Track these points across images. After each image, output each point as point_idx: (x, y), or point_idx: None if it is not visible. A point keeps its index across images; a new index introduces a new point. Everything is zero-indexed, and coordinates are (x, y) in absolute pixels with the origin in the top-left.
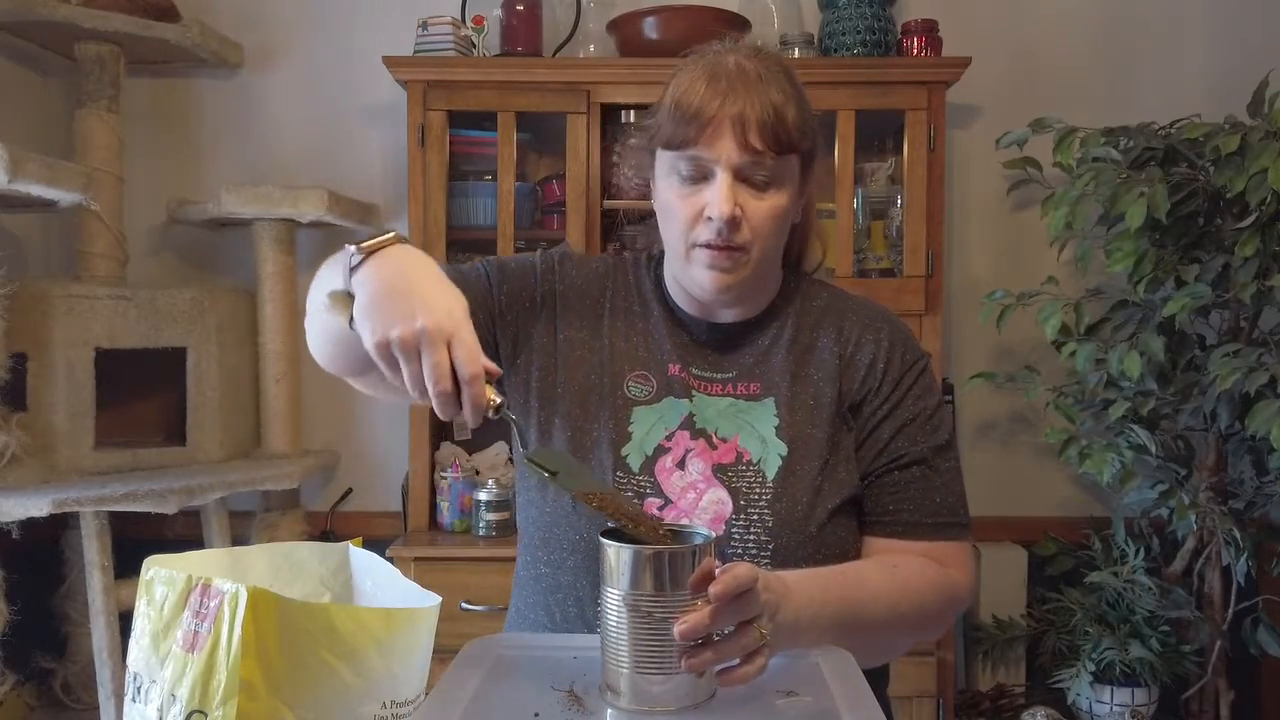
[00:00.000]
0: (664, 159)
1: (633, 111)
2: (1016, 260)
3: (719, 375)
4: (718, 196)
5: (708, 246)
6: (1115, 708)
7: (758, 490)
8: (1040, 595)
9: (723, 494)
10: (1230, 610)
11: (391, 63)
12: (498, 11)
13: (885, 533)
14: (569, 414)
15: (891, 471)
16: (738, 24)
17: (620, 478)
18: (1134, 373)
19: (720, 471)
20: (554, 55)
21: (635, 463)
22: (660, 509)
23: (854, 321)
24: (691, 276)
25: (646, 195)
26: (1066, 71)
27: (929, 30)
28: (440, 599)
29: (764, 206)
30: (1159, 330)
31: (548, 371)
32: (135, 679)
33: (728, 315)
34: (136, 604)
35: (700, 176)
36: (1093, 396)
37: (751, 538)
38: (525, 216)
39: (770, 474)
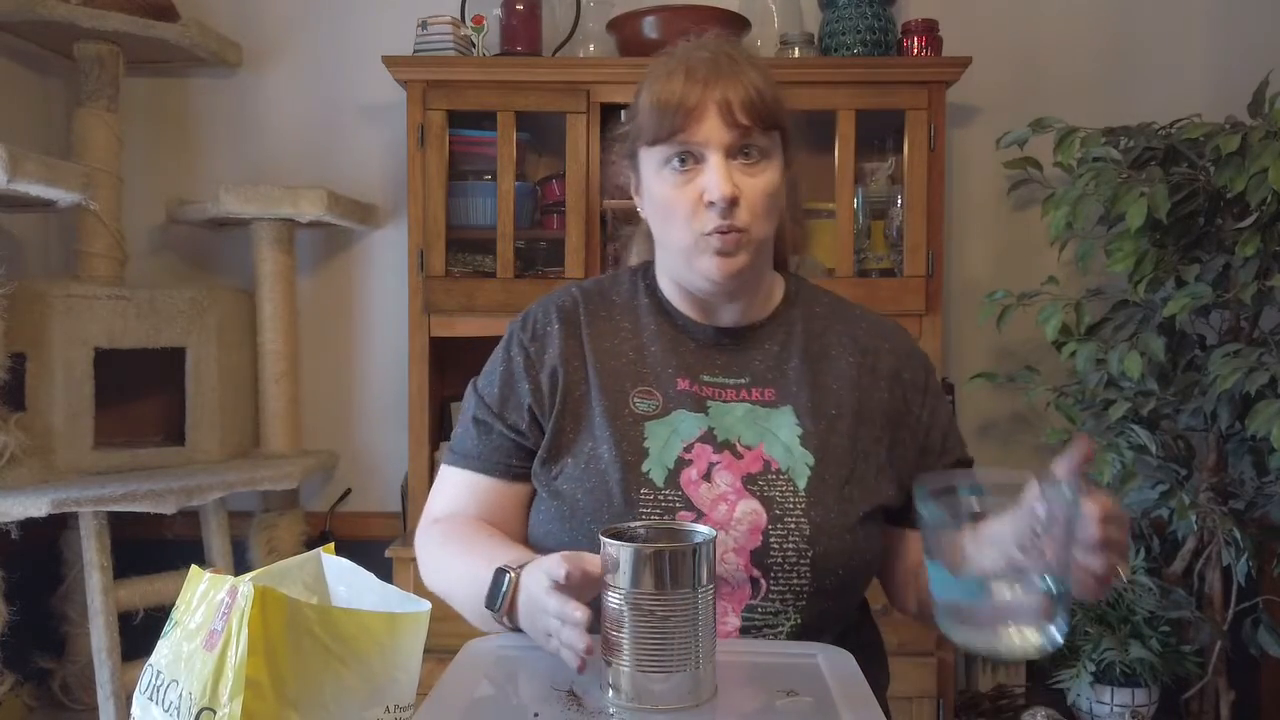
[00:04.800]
0: (651, 156)
1: None
2: (1016, 260)
3: (731, 381)
4: (715, 178)
5: (714, 233)
6: (1115, 708)
7: (791, 500)
8: None
9: (755, 504)
10: (1230, 610)
11: (391, 62)
12: (497, 11)
13: None
14: (579, 449)
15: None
16: (738, 24)
17: (645, 494)
18: (1134, 373)
19: (750, 482)
20: (554, 55)
21: (659, 477)
22: (695, 522)
23: (864, 330)
24: (698, 269)
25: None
26: (1066, 71)
27: (929, 30)
28: (429, 604)
29: (759, 184)
30: (1159, 330)
31: (563, 427)
32: (157, 676)
33: (729, 316)
34: (176, 604)
35: (693, 163)
36: (1093, 397)
37: (791, 545)
38: (525, 216)
39: (801, 484)
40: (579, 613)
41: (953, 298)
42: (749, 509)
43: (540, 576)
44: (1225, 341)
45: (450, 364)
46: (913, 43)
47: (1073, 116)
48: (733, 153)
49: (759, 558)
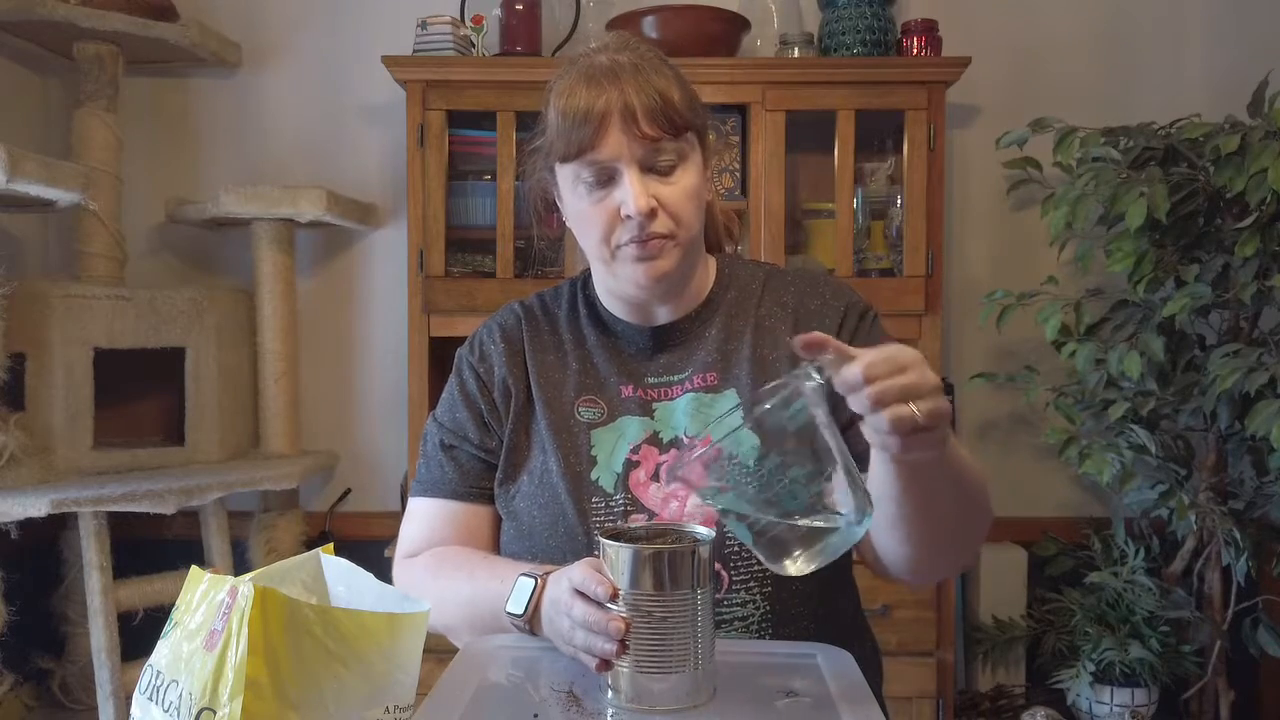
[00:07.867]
0: (565, 173)
1: None
2: (1016, 260)
3: (676, 377)
4: (630, 194)
5: (632, 243)
6: (1115, 708)
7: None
8: (1040, 596)
9: None
10: (1230, 610)
11: (391, 62)
12: (497, 11)
13: None
14: (532, 465)
15: None
16: (738, 24)
17: (597, 503)
18: (1134, 373)
19: None
20: (553, 55)
21: (608, 483)
22: (647, 522)
23: (795, 291)
24: (622, 276)
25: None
26: (1066, 71)
27: (929, 30)
28: (429, 604)
29: (677, 190)
30: (1159, 330)
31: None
32: (157, 676)
33: (665, 314)
34: (176, 604)
35: (606, 179)
36: (1093, 397)
37: None
38: (524, 216)
39: (750, 464)
40: (616, 624)
41: (952, 298)
42: (700, 501)
43: (569, 582)
44: (1225, 341)
45: (450, 364)
46: (912, 43)
47: (1072, 116)
48: (646, 163)
49: (716, 550)
